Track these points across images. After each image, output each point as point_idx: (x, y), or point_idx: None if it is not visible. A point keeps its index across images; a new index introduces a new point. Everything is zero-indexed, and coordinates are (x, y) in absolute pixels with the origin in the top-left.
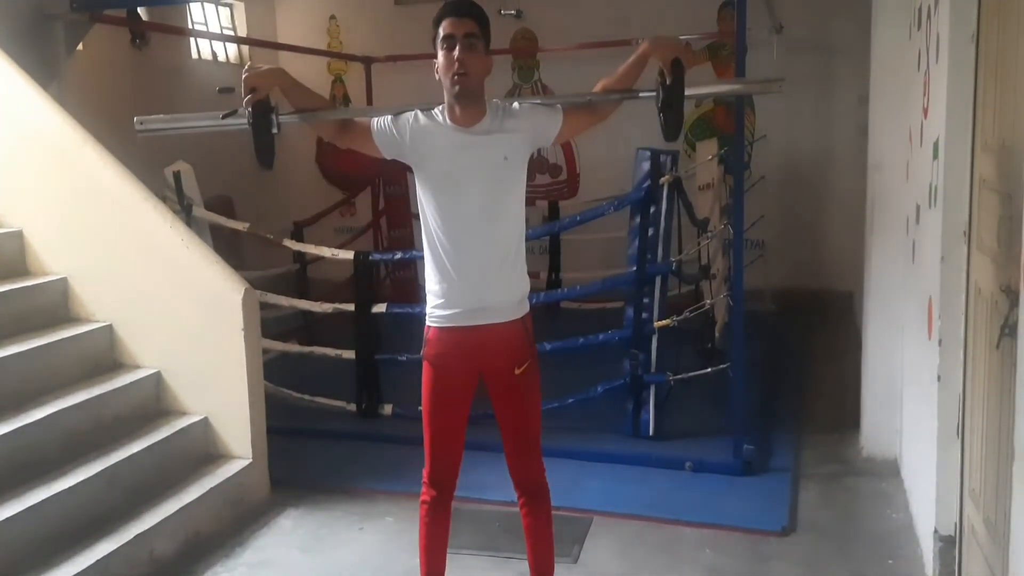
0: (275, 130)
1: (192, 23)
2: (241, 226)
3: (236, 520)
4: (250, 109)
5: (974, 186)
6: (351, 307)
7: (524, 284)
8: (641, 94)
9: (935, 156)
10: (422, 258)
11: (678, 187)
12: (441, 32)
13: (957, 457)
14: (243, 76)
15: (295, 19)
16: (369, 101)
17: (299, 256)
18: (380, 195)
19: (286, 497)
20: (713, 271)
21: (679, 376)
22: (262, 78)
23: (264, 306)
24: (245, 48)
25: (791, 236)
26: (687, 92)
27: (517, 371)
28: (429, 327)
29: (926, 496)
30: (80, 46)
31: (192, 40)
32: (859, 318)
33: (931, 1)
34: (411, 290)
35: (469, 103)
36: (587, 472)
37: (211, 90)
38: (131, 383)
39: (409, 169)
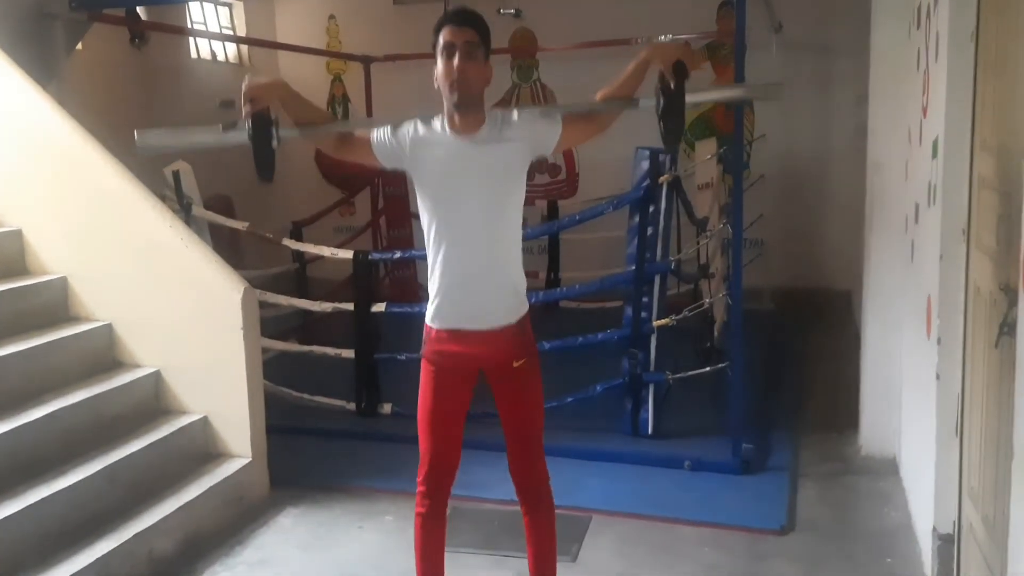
0: (275, 143)
1: (191, 23)
2: (240, 225)
3: (235, 519)
4: (250, 121)
5: (973, 185)
6: (350, 306)
7: (522, 286)
8: (641, 102)
9: (934, 155)
10: (421, 258)
11: (677, 186)
12: (441, 40)
13: (956, 456)
14: (243, 88)
15: (294, 18)
16: (368, 100)
17: (298, 255)
18: (379, 195)
19: (285, 496)
20: (712, 270)
21: (678, 375)
22: (262, 89)
23: (263, 305)
24: (244, 48)
25: (790, 235)
26: (688, 98)
27: (515, 364)
28: (429, 327)
29: (925, 495)
30: (79, 45)
31: (191, 40)
32: (858, 317)
33: (930, 0)
34: (410, 289)
35: (468, 112)
36: (586, 471)
37: (211, 90)
38: (131, 382)
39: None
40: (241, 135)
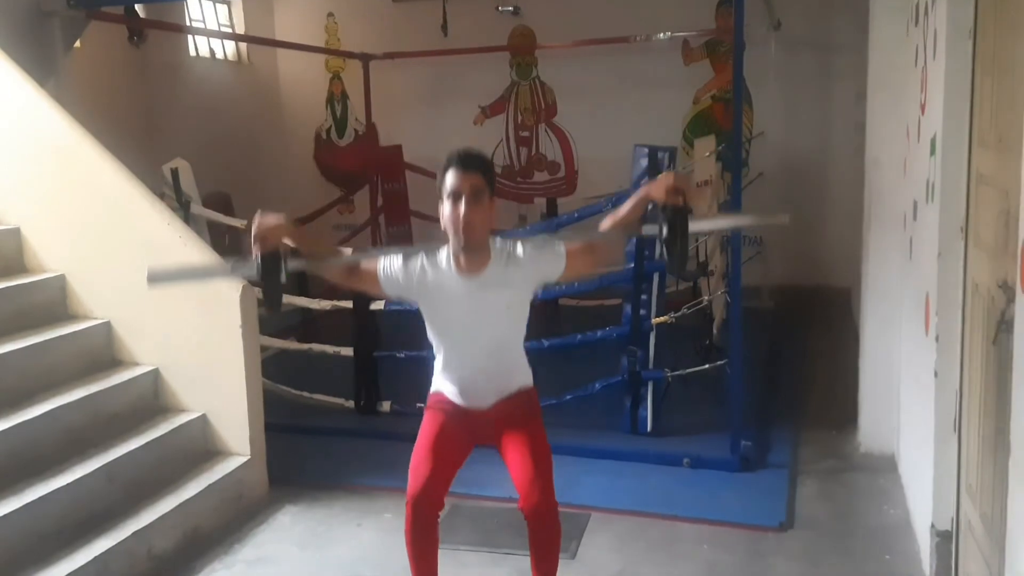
0: (284, 279)
1: (190, 20)
2: (239, 223)
3: (234, 517)
4: (259, 261)
5: (971, 182)
6: (349, 304)
7: (525, 374)
8: (645, 228)
9: (932, 152)
10: None
11: None
12: (447, 185)
13: (954, 452)
14: (252, 228)
15: (293, 16)
16: (367, 98)
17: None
18: (378, 192)
19: (284, 494)
20: (711, 268)
21: (677, 373)
22: (271, 231)
23: (262, 303)
24: (243, 46)
25: (789, 233)
26: (691, 227)
27: (517, 412)
28: (434, 391)
29: (923, 491)
30: (77, 43)
31: (190, 37)
32: (857, 314)
33: None
34: None
35: (474, 253)
36: (585, 468)
37: (209, 87)
38: (129, 380)
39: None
40: (250, 271)
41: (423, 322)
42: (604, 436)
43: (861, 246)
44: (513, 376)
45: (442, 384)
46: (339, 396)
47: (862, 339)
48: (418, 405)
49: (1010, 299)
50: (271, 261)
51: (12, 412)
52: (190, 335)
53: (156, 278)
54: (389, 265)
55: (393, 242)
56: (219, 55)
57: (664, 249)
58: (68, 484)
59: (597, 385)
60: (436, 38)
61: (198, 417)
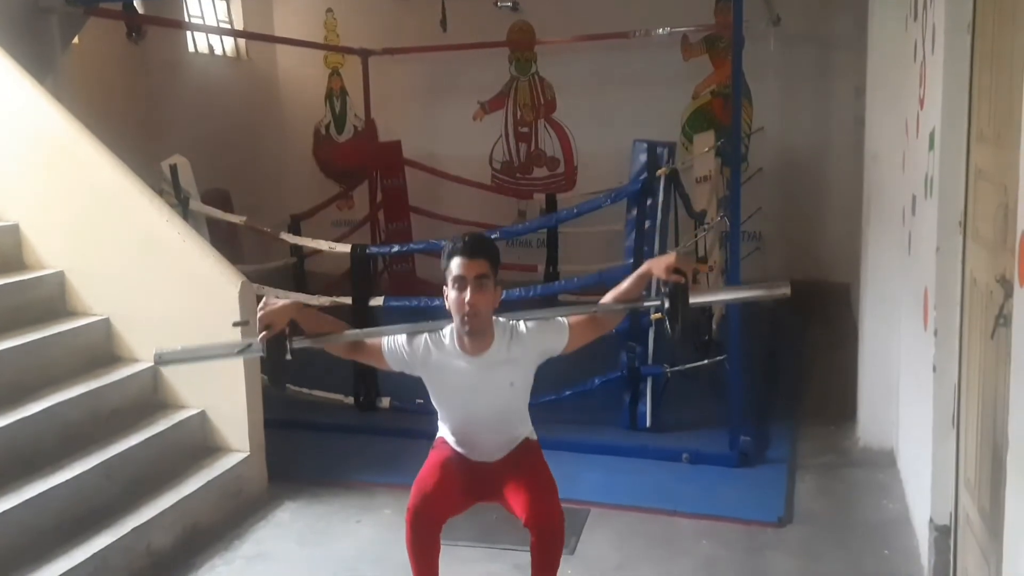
0: (288, 357)
1: (188, 16)
2: (238, 219)
3: (234, 513)
4: (265, 346)
5: (970, 176)
6: (349, 300)
7: (527, 431)
8: (646, 303)
9: (931, 147)
10: (419, 251)
11: (675, 179)
12: (453, 271)
13: (952, 447)
14: (258, 314)
15: (292, 12)
16: (366, 94)
17: (296, 249)
18: (377, 188)
19: (284, 490)
20: (710, 263)
21: (676, 368)
22: (277, 315)
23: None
24: (242, 42)
25: (788, 228)
26: (691, 301)
27: (518, 459)
28: (439, 437)
29: (922, 486)
30: (76, 40)
31: (189, 34)
32: (856, 309)
33: None
34: (409, 283)
35: (478, 336)
36: (584, 464)
37: (208, 84)
38: (128, 376)
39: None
40: (257, 352)
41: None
42: (603, 432)
43: (860, 241)
44: (516, 436)
45: (447, 437)
46: (338, 392)
47: (861, 334)
48: (417, 401)
49: (1008, 294)
50: (276, 343)
51: (11, 408)
52: (189, 331)
53: (164, 360)
54: (393, 342)
55: (392, 238)
56: (218, 51)
57: (666, 321)
58: (67, 480)
59: (596, 381)
60: (435, 33)
61: (197, 413)
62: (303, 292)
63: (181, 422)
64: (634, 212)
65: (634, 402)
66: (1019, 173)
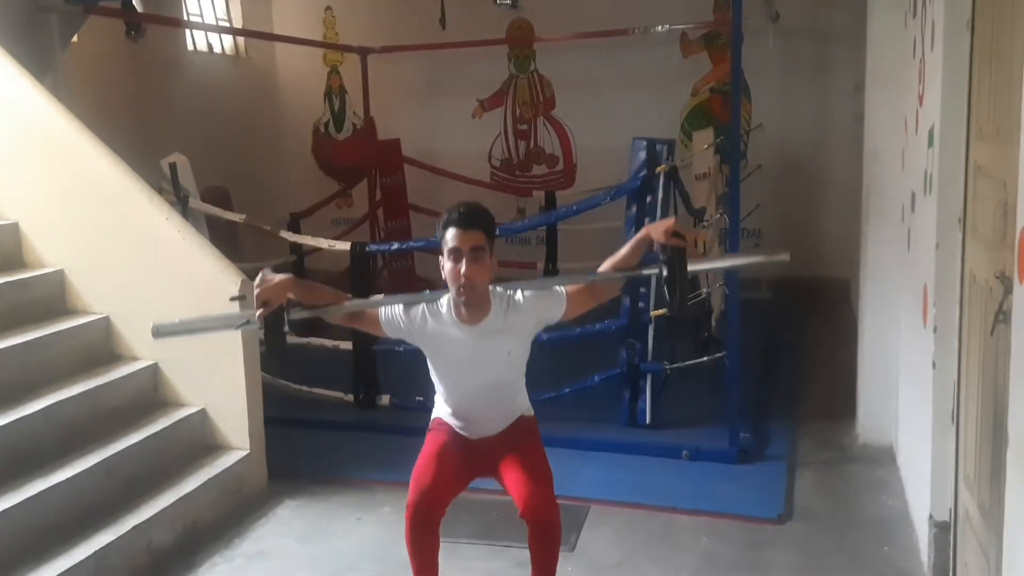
0: (286, 329)
1: (187, 14)
2: (238, 217)
3: (234, 511)
4: (262, 323)
5: (969, 173)
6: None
7: (524, 405)
8: (645, 271)
9: (930, 144)
10: (419, 249)
11: (674, 176)
12: (448, 242)
13: (952, 444)
14: (255, 291)
15: (291, 10)
16: (365, 92)
17: (296, 247)
18: (377, 186)
19: (284, 488)
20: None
21: (676, 365)
22: (274, 291)
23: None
24: (241, 40)
25: (787, 225)
26: (689, 267)
27: (515, 438)
28: (435, 418)
29: (921, 483)
30: (75, 38)
31: (187, 32)
32: (855, 306)
33: None
34: (408, 280)
35: (474, 307)
36: (584, 461)
37: (207, 82)
38: (128, 375)
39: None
40: (255, 326)
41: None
42: (603, 428)
43: (859, 238)
44: (513, 410)
45: (443, 415)
46: (338, 390)
47: (860, 331)
48: (417, 398)
49: (1008, 290)
50: (274, 317)
51: (11, 407)
52: None
53: (162, 332)
54: (391, 311)
55: (391, 236)
56: (217, 49)
57: (665, 290)
58: (67, 479)
59: (596, 378)
60: (434, 31)
61: (197, 411)
62: None
63: (181, 420)
64: (633, 209)
65: (634, 399)
66: (1018, 170)
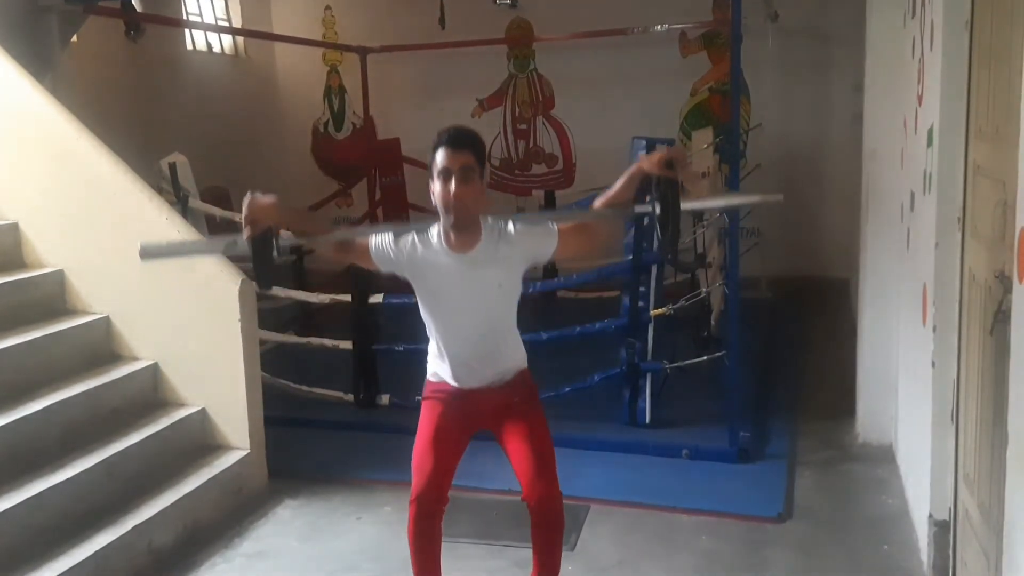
0: (275, 254)
1: (187, 14)
2: (237, 217)
3: (234, 511)
4: (250, 244)
5: (968, 173)
6: (348, 297)
7: (519, 354)
8: (637, 208)
9: (929, 143)
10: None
11: None
12: (438, 163)
13: (951, 442)
14: (243, 211)
15: (290, 9)
16: (364, 91)
17: (296, 247)
18: (376, 185)
19: (284, 487)
20: (709, 259)
21: (676, 364)
22: (261, 212)
23: (261, 297)
24: (240, 39)
25: (787, 224)
26: (683, 206)
27: (515, 399)
28: (430, 380)
29: (921, 481)
30: (74, 38)
31: (187, 31)
32: (855, 305)
33: None
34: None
35: (465, 231)
36: (584, 460)
37: (206, 81)
38: (129, 375)
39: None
40: (243, 250)
41: (420, 313)
42: (603, 428)
43: (859, 237)
44: (507, 356)
45: (437, 367)
46: (338, 389)
47: (860, 330)
48: (416, 398)
49: (1007, 289)
50: (262, 241)
51: (11, 407)
52: (189, 329)
53: (149, 253)
54: (380, 241)
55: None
56: (216, 49)
57: (656, 228)
58: (68, 479)
59: (596, 377)
60: (433, 31)
61: (197, 411)
62: (303, 290)
63: (181, 420)
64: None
65: (634, 398)
66: (1018, 169)
